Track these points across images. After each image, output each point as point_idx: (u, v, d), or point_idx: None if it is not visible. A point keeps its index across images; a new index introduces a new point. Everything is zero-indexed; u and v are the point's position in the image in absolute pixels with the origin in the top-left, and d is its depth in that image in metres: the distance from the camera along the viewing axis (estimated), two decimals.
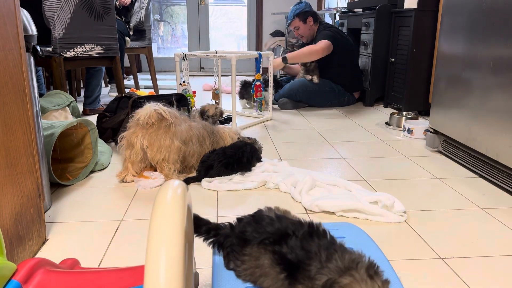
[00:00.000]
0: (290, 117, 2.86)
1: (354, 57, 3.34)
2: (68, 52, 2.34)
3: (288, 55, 3.06)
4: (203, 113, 2.50)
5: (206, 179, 1.60)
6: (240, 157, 1.67)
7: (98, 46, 2.48)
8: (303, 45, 3.56)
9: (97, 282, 0.69)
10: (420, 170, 1.77)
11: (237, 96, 3.22)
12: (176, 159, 1.59)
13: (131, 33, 3.53)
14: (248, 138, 1.86)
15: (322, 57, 3.05)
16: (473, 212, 1.37)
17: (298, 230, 0.74)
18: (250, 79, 3.19)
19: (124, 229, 1.25)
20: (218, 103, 2.85)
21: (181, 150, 1.59)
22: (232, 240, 0.79)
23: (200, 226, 0.82)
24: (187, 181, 1.61)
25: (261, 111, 2.74)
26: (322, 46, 3.02)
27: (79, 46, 2.38)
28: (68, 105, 2.11)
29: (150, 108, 1.55)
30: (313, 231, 0.74)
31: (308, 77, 3.19)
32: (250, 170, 1.69)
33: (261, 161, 1.79)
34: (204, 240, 0.82)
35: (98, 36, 2.48)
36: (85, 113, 2.88)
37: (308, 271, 0.66)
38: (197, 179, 1.61)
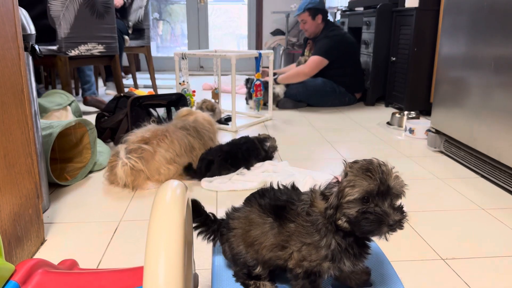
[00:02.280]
0: (290, 117, 2.85)
1: (357, 58, 3.32)
2: (72, 51, 2.36)
3: (278, 78, 3.14)
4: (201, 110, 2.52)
5: (206, 179, 1.59)
6: (236, 152, 1.67)
7: (100, 45, 2.50)
8: (305, 42, 3.55)
9: (96, 283, 0.68)
10: (421, 170, 1.76)
11: (245, 98, 3.24)
12: (170, 177, 1.59)
13: (130, 31, 3.52)
14: (266, 135, 1.87)
15: (316, 72, 3.12)
16: (474, 212, 1.36)
17: (282, 187, 0.79)
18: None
19: (123, 229, 1.24)
20: (217, 103, 2.84)
21: (170, 170, 1.58)
22: (225, 222, 0.82)
23: (200, 215, 0.84)
24: (187, 169, 1.59)
25: (259, 111, 2.73)
26: (310, 67, 3.09)
27: (83, 45, 2.41)
28: (69, 105, 2.10)
29: (122, 168, 1.51)
30: (295, 188, 0.78)
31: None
32: (248, 168, 1.68)
33: (268, 160, 1.78)
34: (198, 233, 0.85)
35: (100, 35, 2.50)
36: (85, 101, 2.88)
37: (295, 209, 0.71)
38: (198, 176, 1.60)
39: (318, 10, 3.21)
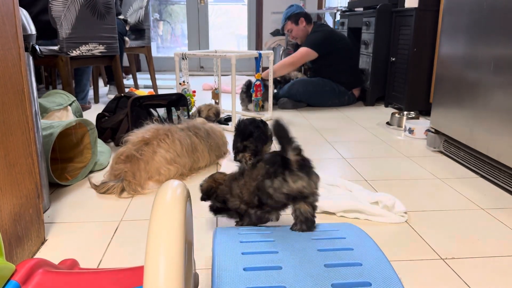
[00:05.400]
0: (290, 117, 2.85)
1: (351, 54, 3.33)
2: (74, 51, 2.38)
3: (263, 74, 3.04)
4: (199, 114, 2.50)
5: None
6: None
7: (101, 45, 2.51)
8: (297, 46, 3.56)
9: (96, 283, 0.69)
10: (421, 170, 1.77)
11: (239, 98, 3.20)
12: (171, 177, 1.58)
13: (127, 28, 3.52)
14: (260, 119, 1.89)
15: (302, 64, 3.19)
16: (474, 212, 1.36)
17: None
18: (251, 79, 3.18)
19: (123, 229, 1.24)
20: (217, 103, 2.84)
21: (171, 171, 1.57)
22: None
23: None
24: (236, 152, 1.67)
25: (258, 111, 2.74)
26: (296, 57, 3.12)
27: (84, 45, 2.42)
28: (70, 105, 2.10)
29: (119, 184, 1.49)
30: None
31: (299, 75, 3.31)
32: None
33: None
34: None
35: (101, 35, 2.51)
36: None
37: None
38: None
39: (298, 14, 3.29)
